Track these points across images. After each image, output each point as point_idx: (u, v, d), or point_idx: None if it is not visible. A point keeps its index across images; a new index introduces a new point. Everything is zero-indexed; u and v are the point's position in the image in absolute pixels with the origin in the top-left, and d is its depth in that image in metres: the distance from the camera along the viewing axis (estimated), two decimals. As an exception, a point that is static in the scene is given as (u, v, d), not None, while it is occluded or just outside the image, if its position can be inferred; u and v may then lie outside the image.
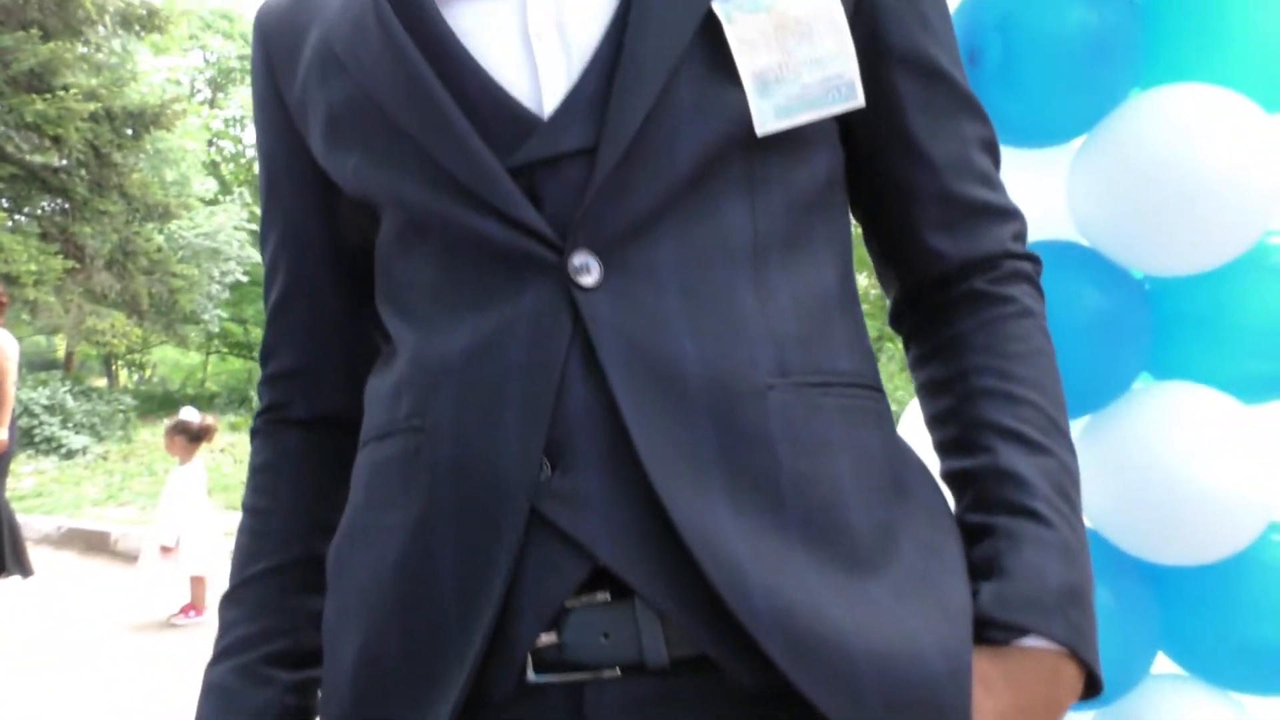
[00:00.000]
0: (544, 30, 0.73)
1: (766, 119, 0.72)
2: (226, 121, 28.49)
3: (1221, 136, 1.35)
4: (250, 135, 28.70)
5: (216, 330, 21.40)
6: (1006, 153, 1.53)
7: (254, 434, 0.92)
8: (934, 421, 0.82)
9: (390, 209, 0.77)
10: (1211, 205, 1.35)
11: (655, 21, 0.71)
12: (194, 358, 26.98)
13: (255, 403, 0.97)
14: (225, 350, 27.25)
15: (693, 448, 0.66)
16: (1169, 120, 1.38)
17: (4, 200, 13.07)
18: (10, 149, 12.48)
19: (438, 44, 0.73)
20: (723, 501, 0.65)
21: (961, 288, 0.81)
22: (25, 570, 6.06)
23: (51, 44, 11.96)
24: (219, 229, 19.46)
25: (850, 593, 0.65)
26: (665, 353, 0.67)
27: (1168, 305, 1.50)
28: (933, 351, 0.83)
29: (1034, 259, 0.83)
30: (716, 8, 0.71)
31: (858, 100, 0.74)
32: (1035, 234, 1.48)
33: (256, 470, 0.91)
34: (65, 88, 12.08)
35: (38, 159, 12.78)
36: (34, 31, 11.92)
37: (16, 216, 13.01)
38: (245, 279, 20.94)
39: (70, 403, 12.70)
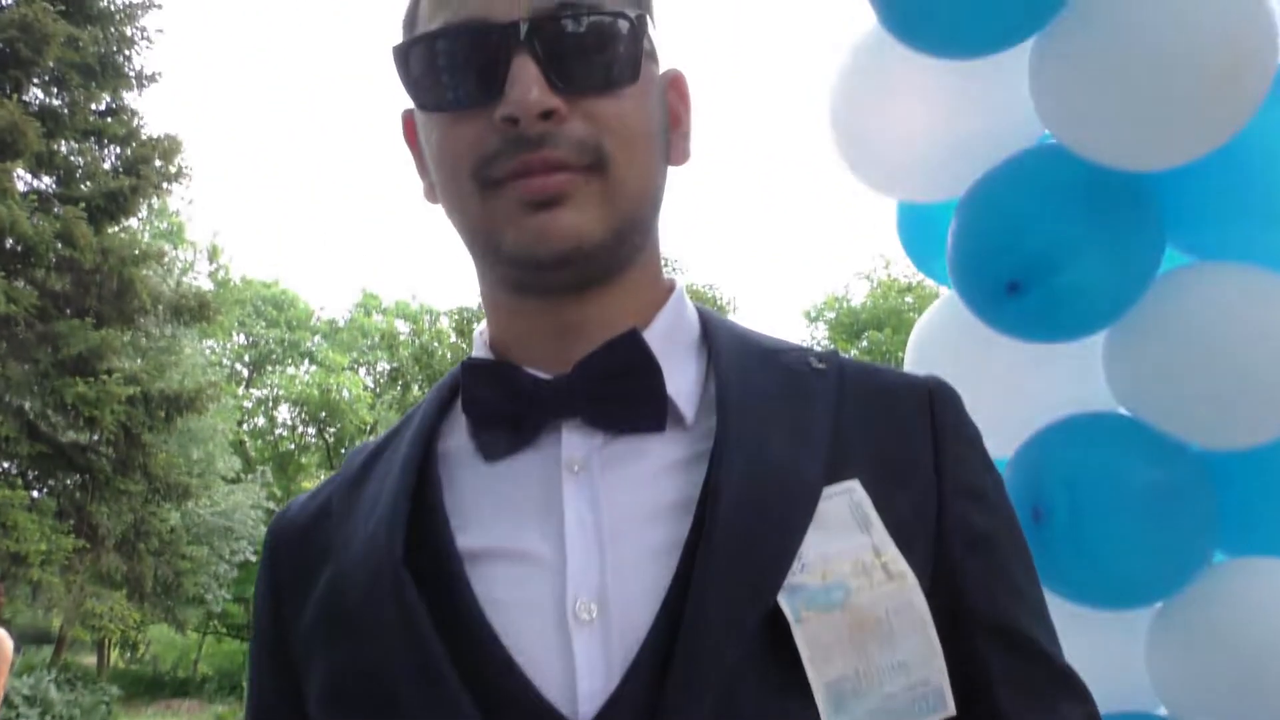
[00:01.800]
0: (585, 608, 0.64)
1: (844, 741, 0.61)
2: (258, 401, 29.33)
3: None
4: (281, 413, 29.47)
5: (218, 610, 20.83)
6: (1077, 614, 1.44)
7: None
8: None
9: None
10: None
11: (714, 612, 0.62)
12: (190, 637, 26.08)
13: (245, 692, 0.83)
14: (223, 631, 26.39)
15: None
16: (1258, 594, 1.28)
17: (26, 476, 13.16)
18: (44, 427, 12.73)
19: (458, 617, 0.66)
20: None
21: None
22: None
23: (103, 331, 12.51)
24: (235, 508, 19.44)
25: None
26: None
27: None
28: None
29: None
30: (784, 603, 0.63)
31: (948, 709, 0.65)
32: (1113, 705, 1.36)
33: None
34: (109, 371, 12.51)
35: (69, 436, 13.00)
36: (89, 320, 12.51)
37: (35, 493, 13.04)
38: (254, 558, 20.64)
39: (53, 693, 12.12)
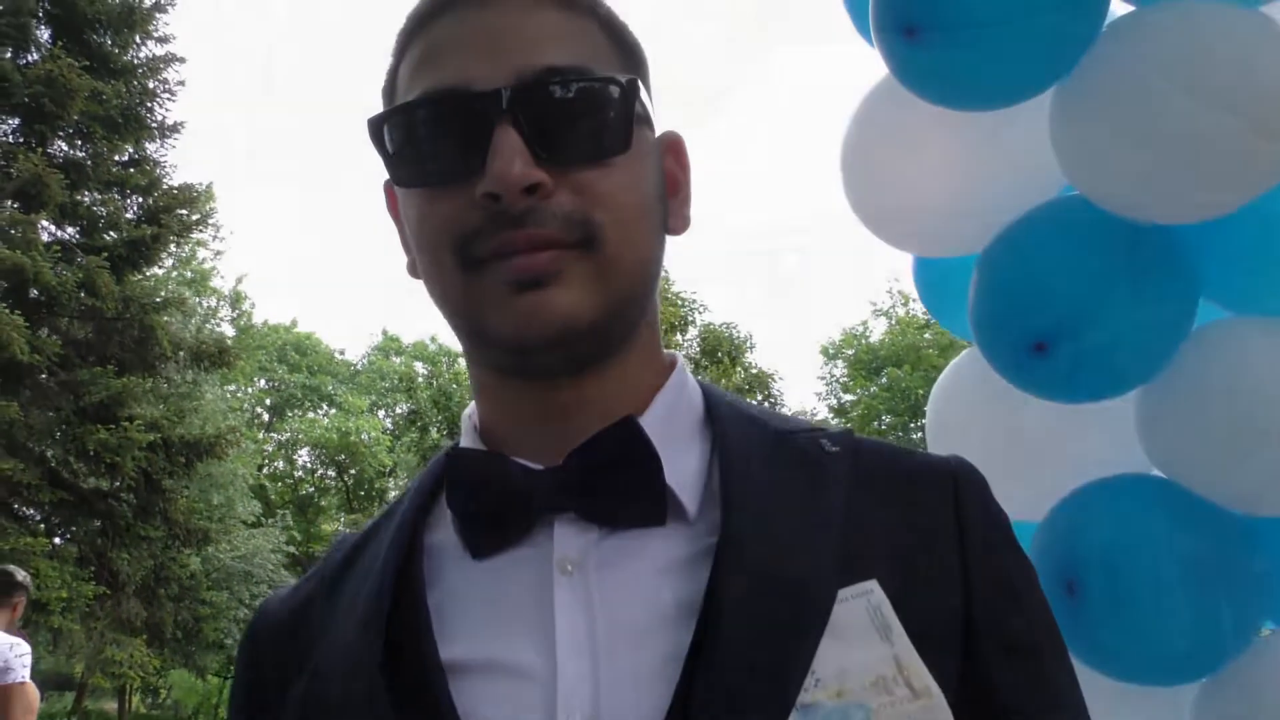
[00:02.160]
0: None
1: None
2: (278, 445, 29.43)
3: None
4: (301, 457, 29.55)
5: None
6: (1116, 691, 1.36)
7: None
8: None
9: None
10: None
11: None
12: (211, 682, 25.96)
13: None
14: (244, 676, 26.24)
15: None
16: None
17: (48, 523, 13.19)
18: (65, 474, 12.77)
19: None
20: None
21: None
22: None
23: (124, 379, 12.59)
24: (256, 552, 19.41)
25: None
26: None
27: None
28: None
29: None
30: None
31: None
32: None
33: None
34: (130, 418, 12.56)
35: (90, 483, 13.04)
36: (110, 367, 12.60)
37: (56, 540, 13.05)
38: (275, 603, 20.50)
39: (71, 741, 12.01)
